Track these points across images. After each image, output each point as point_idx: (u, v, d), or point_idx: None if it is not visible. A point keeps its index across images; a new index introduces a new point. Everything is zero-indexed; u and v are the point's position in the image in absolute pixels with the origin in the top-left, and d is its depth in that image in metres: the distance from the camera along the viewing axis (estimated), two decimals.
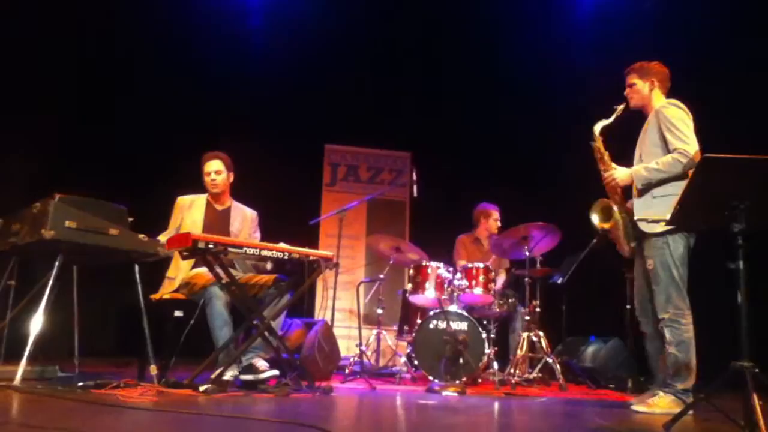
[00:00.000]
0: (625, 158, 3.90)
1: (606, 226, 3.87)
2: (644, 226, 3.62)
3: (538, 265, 5.53)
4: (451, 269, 5.31)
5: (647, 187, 3.64)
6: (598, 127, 3.95)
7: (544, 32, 7.14)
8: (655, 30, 6.52)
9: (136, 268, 3.61)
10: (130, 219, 3.57)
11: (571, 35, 7.23)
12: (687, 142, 3.51)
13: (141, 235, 3.52)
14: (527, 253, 5.24)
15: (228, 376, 3.77)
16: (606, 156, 3.92)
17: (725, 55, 5.90)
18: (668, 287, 3.56)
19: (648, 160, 3.69)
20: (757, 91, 5.59)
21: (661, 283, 3.58)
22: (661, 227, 3.52)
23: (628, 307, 5.25)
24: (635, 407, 3.59)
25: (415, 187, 5.54)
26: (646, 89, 3.82)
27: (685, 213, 2.92)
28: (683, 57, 5.45)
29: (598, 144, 3.94)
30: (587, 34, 7.16)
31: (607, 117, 3.93)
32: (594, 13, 7.22)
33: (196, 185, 4.47)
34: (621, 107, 3.88)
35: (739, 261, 2.78)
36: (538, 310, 5.34)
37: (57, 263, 3.32)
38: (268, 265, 4.22)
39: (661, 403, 3.53)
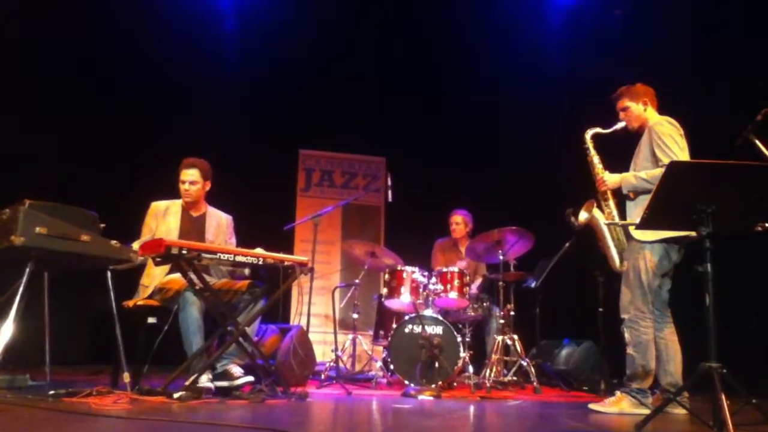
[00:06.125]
0: (621, 170, 3.92)
1: (582, 220, 3.93)
2: (632, 231, 3.69)
3: (511, 269, 5.58)
4: (426, 273, 5.33)
5: (634, 195, 3.73)
6: (589, 133, 4.05)
7: (518, 39, 7.20)
8: (625, 37, 6.62)
9: (108, 274, 3.56)
10: (102, 225, 3.53)
11: (543, 42, 7.32)
12: (674, 157, 3.57)
13: (113, 242, 3.48)
14: (501, 258, 5.29)
15: (204, 381, 3.71)
16: (596, 160, 3.99)
17: (694, 57, 5.99)
18: (634, 291, 3.65)
19: None
20: (724, 93, 5.69)
21: (629, 285, 3.69)
22: (644, 235, 3.58)
23: (600, 309, 5.31)
24: (592, 406, 3.69)
25: (389, 192, 5.54)
26: (641, 109, 3.88)
27: (653, 217, 2.99)
28: (652, 64, 5.55)
29: (588, 146, 4.03)
30: (559, 40, 7.25)
31: (604, 127, 4.01)
32: (565, 20, 7.31)
33: (170, 191, 4.41)
34: (621, 125, 3.95)
35: (706, 264, 2.85)
36: (512, 313, 5.37)
37: (27, 270, 3.26)
38: (246, 271, 4.19)
39: (616, 403, 3.62)
